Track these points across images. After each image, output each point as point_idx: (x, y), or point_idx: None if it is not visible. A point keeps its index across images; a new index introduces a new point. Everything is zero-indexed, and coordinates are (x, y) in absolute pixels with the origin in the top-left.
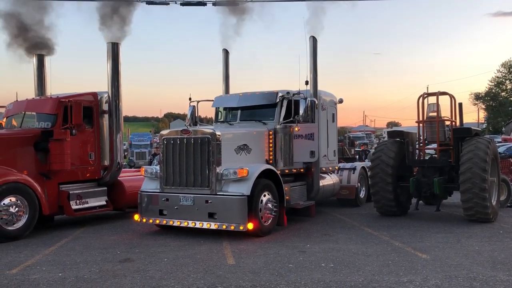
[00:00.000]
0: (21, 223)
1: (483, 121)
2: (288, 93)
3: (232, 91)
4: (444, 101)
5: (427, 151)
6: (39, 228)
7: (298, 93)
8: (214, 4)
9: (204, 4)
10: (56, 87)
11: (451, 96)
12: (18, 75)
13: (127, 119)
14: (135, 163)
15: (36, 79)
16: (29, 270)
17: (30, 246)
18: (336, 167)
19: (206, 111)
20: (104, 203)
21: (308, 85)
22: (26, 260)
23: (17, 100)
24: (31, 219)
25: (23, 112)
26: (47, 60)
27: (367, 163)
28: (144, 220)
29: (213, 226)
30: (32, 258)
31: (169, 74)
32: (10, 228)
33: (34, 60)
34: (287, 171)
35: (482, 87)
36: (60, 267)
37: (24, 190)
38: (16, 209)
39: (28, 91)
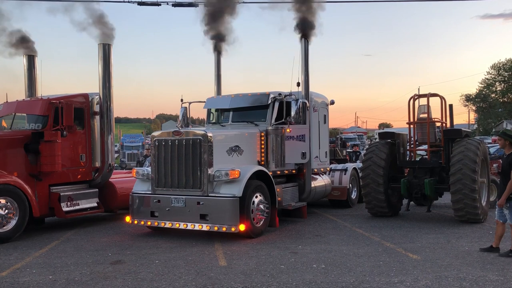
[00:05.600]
0: (11, 225)
1: (473, 123)
2: (279, 94)
3: (224, 92)
4: (435, 103)
5: (418, 152)
6: (29, 230)
7: (290, 94)
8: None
9: (196, 5)
10: (47, 88)
11: (442, 98)
12: (9, 75)
13: (119, 120)
14: (126, 164)
15: (26, 80)
16: (19, 272)
17: (20, 248)
18: (328, 168)
19: (198, 112)
20: (95, 204)
21: (300, 87)
22: (16, 263)
23: (7, 101)
24: (21, 221)
25: (13, 113)
26: (38, 61)
27: (358, 164)
28: (136, 222)
29: (205, 227)
30: (22, 260)
31: (161, 75)
32: None
33: (24, 60)
34: (278, 172)
35: (473, 88)
36: (51, 269)
37: (14, 192)
38: (6, 211)
39: (19, 92)
